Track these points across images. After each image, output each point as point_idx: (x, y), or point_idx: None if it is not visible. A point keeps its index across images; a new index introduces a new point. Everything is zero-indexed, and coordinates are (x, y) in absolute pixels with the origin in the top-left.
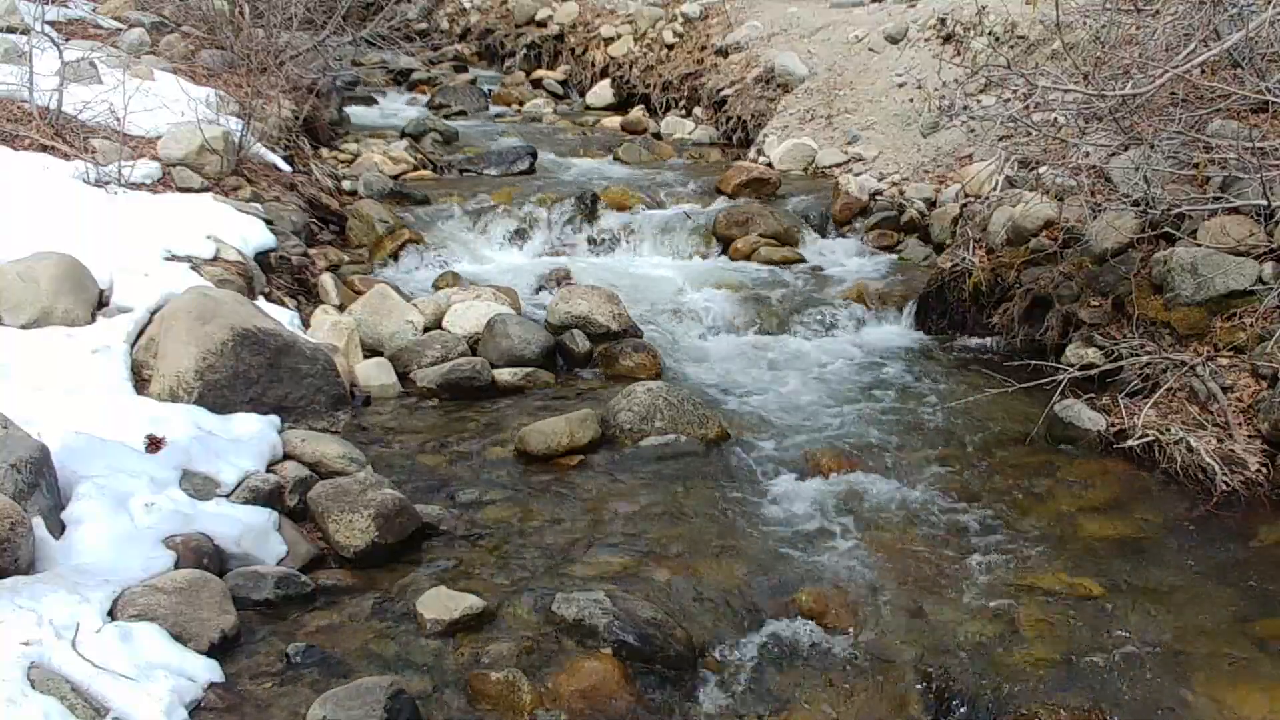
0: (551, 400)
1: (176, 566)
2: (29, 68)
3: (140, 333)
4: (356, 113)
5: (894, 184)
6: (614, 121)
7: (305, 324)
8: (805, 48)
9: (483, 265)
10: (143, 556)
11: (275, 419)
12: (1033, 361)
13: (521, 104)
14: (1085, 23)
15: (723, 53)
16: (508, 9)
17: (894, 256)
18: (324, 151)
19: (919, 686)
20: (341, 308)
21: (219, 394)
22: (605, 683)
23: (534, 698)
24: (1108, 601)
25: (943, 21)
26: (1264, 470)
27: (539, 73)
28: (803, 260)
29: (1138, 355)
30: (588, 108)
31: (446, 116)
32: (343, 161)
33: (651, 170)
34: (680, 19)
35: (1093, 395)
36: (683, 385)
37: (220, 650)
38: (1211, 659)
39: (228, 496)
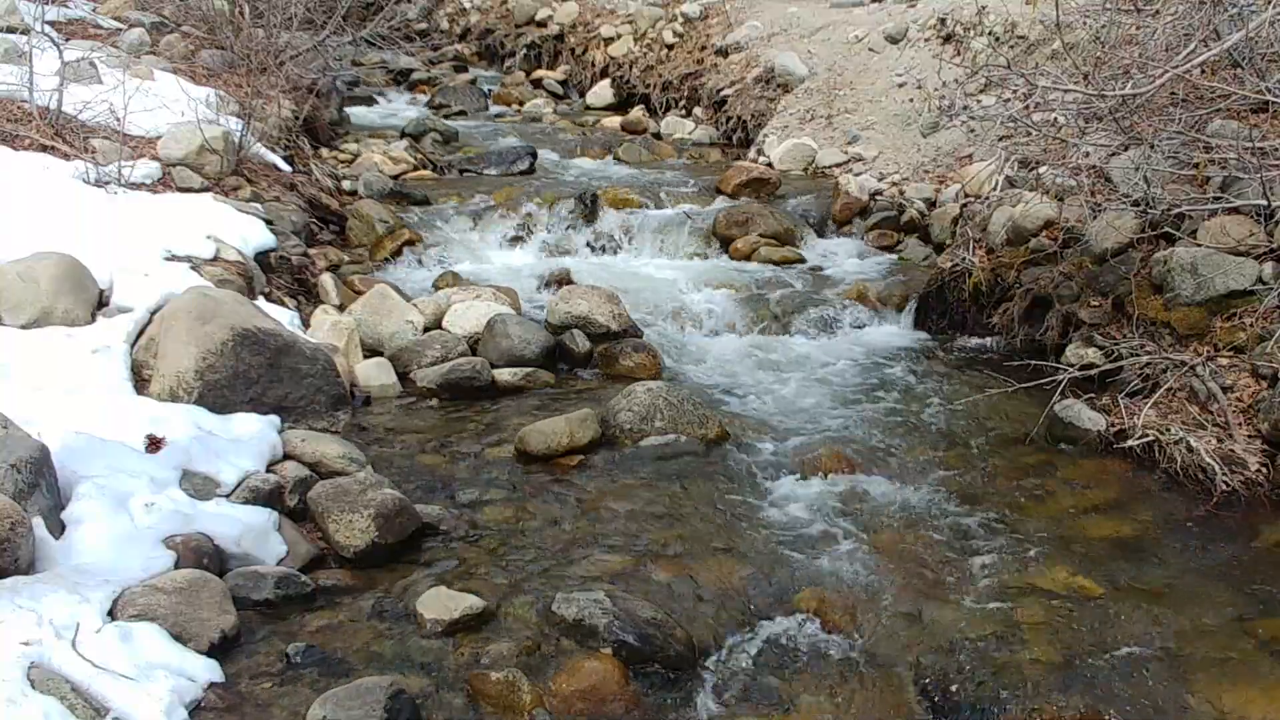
0: (551, 400)
1: (176, 566)
2: (29, 68)
3: (140, 333)
4: (356, 113)
5: (894, 184)
6: (614, 121)
7: (305, 324)
8: (805, 48)
9: (483, 265)
10: (143, 556)
11: (275, 419)
12: (1033, 361)
13: (521, 104)
14: (1085, 23)
15: (723, 53)
16: (508, 9)
17: (894, 256)
18: (324, 151)
19: (919, 687)
20: (341, 308)
21: (219, 394)
22: (605, 683)
23: (534, 698)
24: (1108, 601)
25: (943, 21)
26: (1264, 470)
27: (539, 73)
28: (803, 260)
29: (1138, 355)
30: (588, 108)
31: (446, 116)
32: (343, 161)
33: (651, 170)
34: (680, 19)
35: (1093, 395)
36: (683, 385)
37: (220, 650)
38: (1212, 659)
39: (228, 496)
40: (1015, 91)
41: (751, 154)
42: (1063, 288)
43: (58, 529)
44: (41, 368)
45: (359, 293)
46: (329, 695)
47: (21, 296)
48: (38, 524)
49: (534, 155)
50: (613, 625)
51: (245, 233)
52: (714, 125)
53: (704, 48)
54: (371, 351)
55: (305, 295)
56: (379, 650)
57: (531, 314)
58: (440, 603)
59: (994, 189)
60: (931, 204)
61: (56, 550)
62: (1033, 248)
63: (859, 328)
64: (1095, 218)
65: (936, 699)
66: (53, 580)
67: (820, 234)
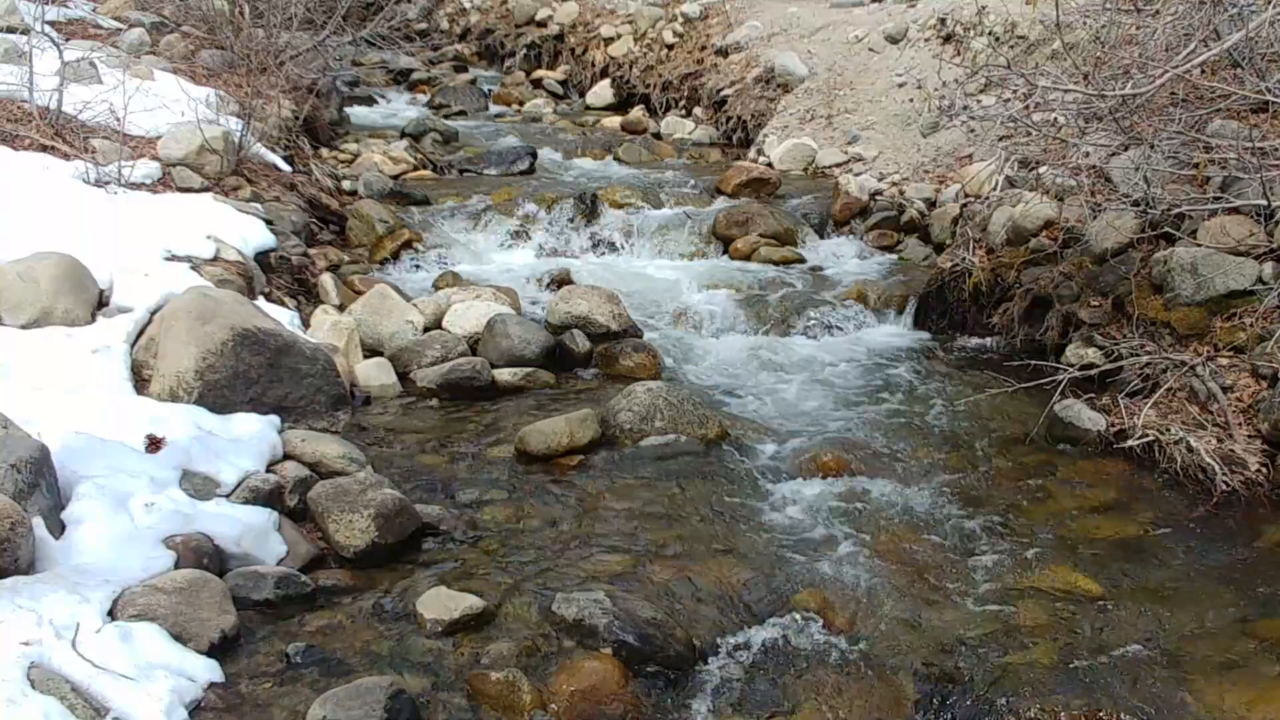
0: (551, 400)
1: (176, 566)
2: (29, 68)
3: (140, 333)
4: (356, 113)
5: (894, 184)
6: (614, 121)
7: (305, 324)
8: (805, 48)
9: (483, 265)
10: (143, 556)
11: (275, 419)
12: (1033, 361)
13: (521, 104)
14: (1085, 23)
15: (723, 53)
16: (508, 9)
17: (894, 256)
18: (324, 151)
19: (919, 687)
20: (341, 308)
21: (219, 394)
22: (605, 683)
23: (534, 698)
24: (1108, 601)
25: (943, 21)
26: (1264, 470)
27: (539, 73)
28: (803, 260)
29: (1138, 355)
30: (588, 108)
31: (446, 116)
32: (343, 161)
33: (651, 170)
34: (680, 19)
35: (1093, 395)
36: (682, 385)
37: (220, 650)
38: (1212, 660)
39: (228, 496)
40: (1015, 91)
41: (751, 154)
42: (1063, 288)
43: (58, 529)
44: (41, 368)
45: (359, 293)
46: (329, 695)
47: (21, 296)
48: (38, 524)
49: (534, 155)
50: (613, 625)
51: (245, 233)
52: (714, 125)
53: (704, 48)
54: (371, 351)
55: (305, 295)
56: (379, 650)
57: (531, 314)
58: (440, 603)
59: (994, 189)
60: (931, 204)
61: (56, 550)
62: (1033, 248)
63: (859, 328)
64: (1095, 218)
65: (937, 699)
66: (53, 580)
67: (820, 234)
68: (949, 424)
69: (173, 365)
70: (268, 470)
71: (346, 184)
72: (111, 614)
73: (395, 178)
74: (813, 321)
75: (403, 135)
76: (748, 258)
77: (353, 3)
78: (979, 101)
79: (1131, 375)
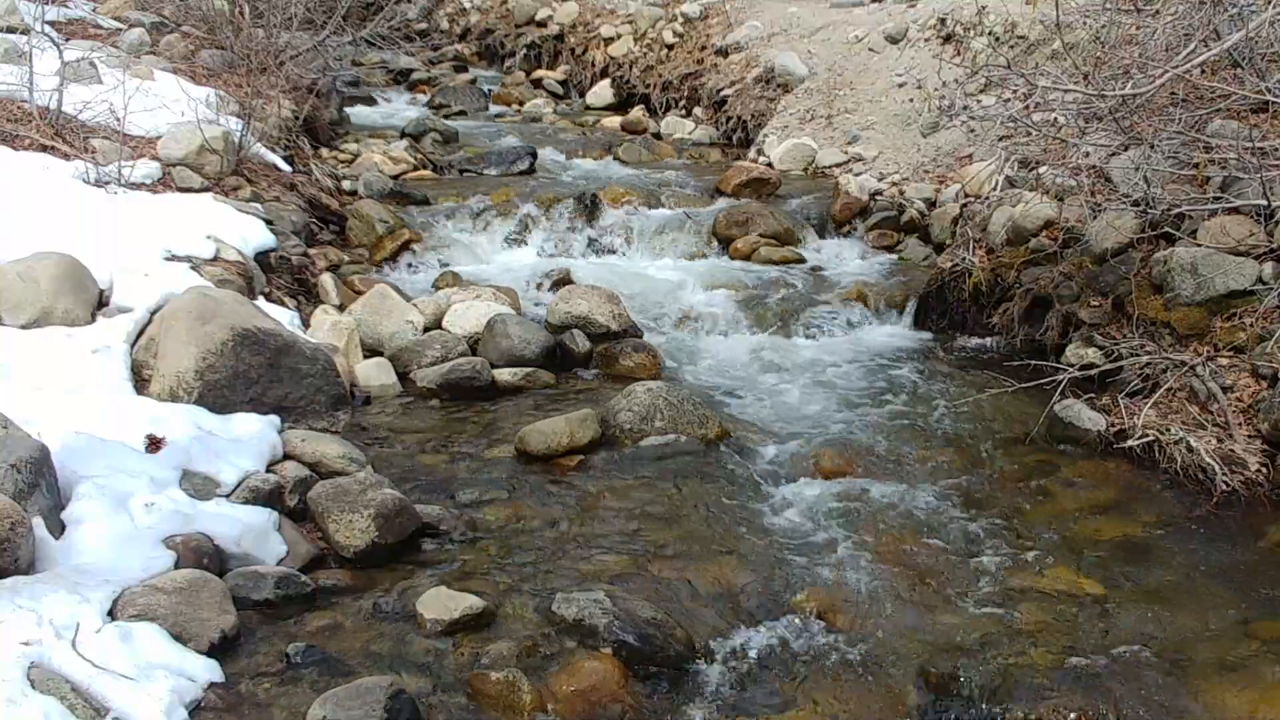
0: (551, 400)
1: (176, 566)
2: (29, 68)
3: (140, 333)
4: (356, 113)
5: (894, 184)
6: (614, 121)
7: (305, 324)
8: (805, 48)
9: (483, 265)
10: (143, 556)
11: (275, 419)
12: (1033, 361)
13: (521, 104)
14: (1085, 23)
15: (723, 53)
16: (508, 9)
17: (894, 256)
18: (324, 151)
19: (919, 687)
20: (341, 308)
21: (219, 394)
22: (605, 683)
23: (534, 698)
24: (1108, 601)
25: (943, 21)
26: (1264, 470)
27: (539, 73)
28: (803, 260)
29: (1138, 355)
30: (588, 108)
31: (446, 116)
32: (343, 161)
33: (652, 170)
34: (680, 19)
35: (1093, 395)
36: (683, 385)
37: (220, 650)
38: (1213, 660)
39: (228, 496)
40: (1015, 91)
41: (751, 154)
42: (1063, 288)
43: (58, 529)
44: (41, 368)
45: (359, 293)
46: (329, 695)
47: (21, 296)
48: (38, 524)
49: (534, 155)
50: (613, 625)
51: (245, 233)
52: (714, 125)
53: (704, 48)
54: (371, 351)
55: (305, 295)
56: (379, 650)
57: (531, 314)
58: (440, 603)
59: (994, 189)
60: (931, 204)
61: (56, 550)
62: (1033, 248)
63: (859, 328)
64: (1095, 218)
65: (937, 700)
66: (53, 580)
67: (820, 234)
68: (949, 424)
69: (173, 365)
70: (268, 470)
71: (346, 184)
72: (111, 614)
73: (395, 178)
74: (813, 322)
75: (403, 135)
76: (748, 258)
77: (353, 3)
78: (979, 101)
79: (1131, 375)
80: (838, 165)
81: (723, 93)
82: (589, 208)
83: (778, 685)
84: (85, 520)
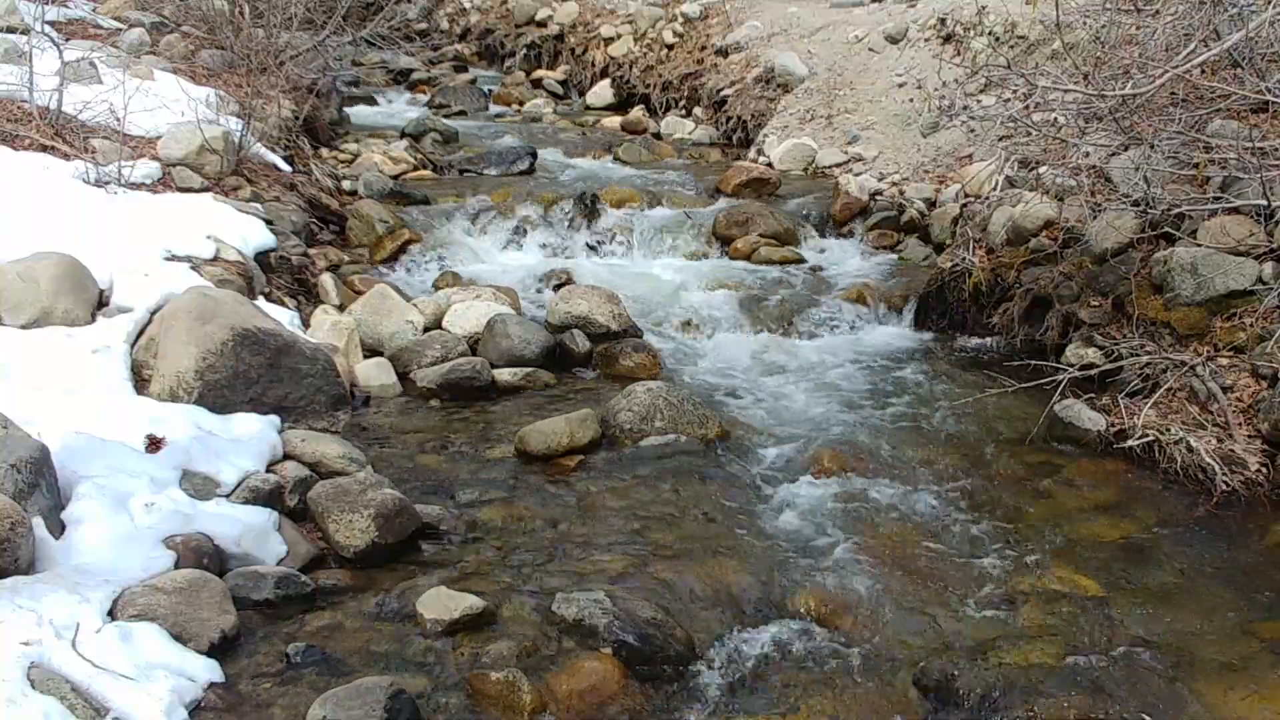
0: (551, 400)
1: (176, 566)
2: (29, 68)
3: (140, 333)
4: (356, 113)
5: (894, 184)
6: (614, 121)
7: (305, 324)
8: (805, 48)
9: (483, 265)
10: (143, 556)
11: (275, 419)
12: (1033, 361)
13: (521, 104)
14: (1085, 23)
15: (723, 53)
16: (508, 9)
17: (894, 256)
18: (324, 151)
19: (919, 687)
20: (341, 308)
21: (219, 394)
22: (605, 683)
23: (534, 698)
24: (1108, 601)
25: (943, 21)
26: (1264, 470)
27: (539, 73)
28: (803, 260)
29: (1138, 355)
30: (588, 108)
31: (446, 116)
32: (343, 161)
33: (651, 170)
34: (680, 19)
35: (1093, 395)
36: (683, 385)
37: (220, 650)
38: (1213, 660)
39: (228, 496)
40: (1015, 91)
41: (751, 154)
42: (1063, 288)
43: (58, 529)
44: (41, 368)
45: (359, 293)
46: (329, 695)
47: (21, 296)
48: (38, 524)
49: (534, 155)
50: (613, 625)
51: (245, 233)
52: (714, 125)
53: (704, 48)
54: (371, 351)
55: (305, 295)
56: (379, 650)
57: (531, 314)
58: (440, 603)
59: (994, 189)
60: (931, 204)
61: (56, 550)
62: (1033, 248)
63: (859, 328)
64: (1095, 218)
65: (936, 700)
66: (53, 580)
67: (820, 234)
68: (949, 424)
69: (173, 365)
70: (268, 470)
71: (346, 184)
72: (111, 614)
73: (395, 178)
74: (813, 321)
75: (403, 135)
76: (748, 258)
77: (353, 3)
78: (979, 101)
79: (1131, 375)
80: (838, 165)
81: (723, 93)
82: (589, 208)
83: (778, 684)
84: (85, 520)
